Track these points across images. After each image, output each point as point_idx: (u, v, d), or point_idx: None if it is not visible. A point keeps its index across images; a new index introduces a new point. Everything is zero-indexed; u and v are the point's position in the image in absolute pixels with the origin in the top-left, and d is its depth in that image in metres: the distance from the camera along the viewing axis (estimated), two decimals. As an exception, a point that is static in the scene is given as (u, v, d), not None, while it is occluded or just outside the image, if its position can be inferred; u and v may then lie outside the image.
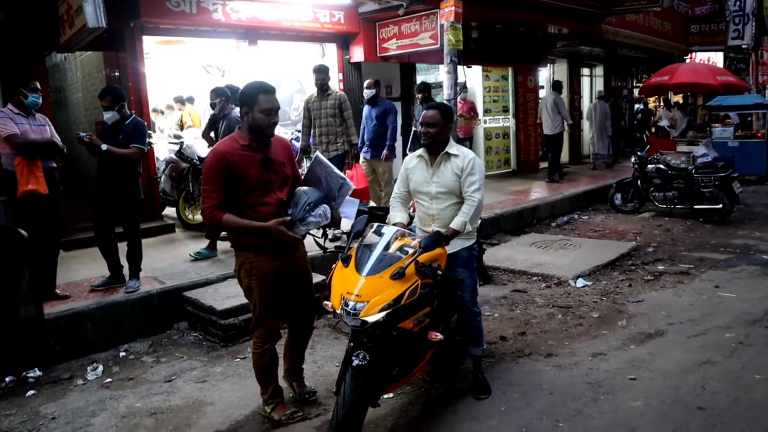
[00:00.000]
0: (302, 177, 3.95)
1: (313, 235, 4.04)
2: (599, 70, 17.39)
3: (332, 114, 7.38)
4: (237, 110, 6.83)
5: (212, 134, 7.18)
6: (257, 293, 3.70)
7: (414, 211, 4.34)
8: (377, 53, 10.38)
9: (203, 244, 6.99)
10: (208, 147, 8.19)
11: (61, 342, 5.10)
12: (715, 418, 3.71)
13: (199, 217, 8.44)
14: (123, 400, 4.36)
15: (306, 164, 7.41)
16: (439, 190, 3.99)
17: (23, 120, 5.39)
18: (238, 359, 4.96)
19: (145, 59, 8.40)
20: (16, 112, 5.39)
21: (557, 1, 11.16)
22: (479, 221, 4.61)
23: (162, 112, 11.31)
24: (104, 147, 5.45)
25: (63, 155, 5.72)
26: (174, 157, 8.68)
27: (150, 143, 7.31)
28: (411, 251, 3.55)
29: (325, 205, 3.71)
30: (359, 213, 3.98)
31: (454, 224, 3.87)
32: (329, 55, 10.43)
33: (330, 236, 6.83)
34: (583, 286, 6.44)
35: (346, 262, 3.53)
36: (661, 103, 18.62)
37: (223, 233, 7.48)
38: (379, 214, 4.47)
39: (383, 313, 3.24)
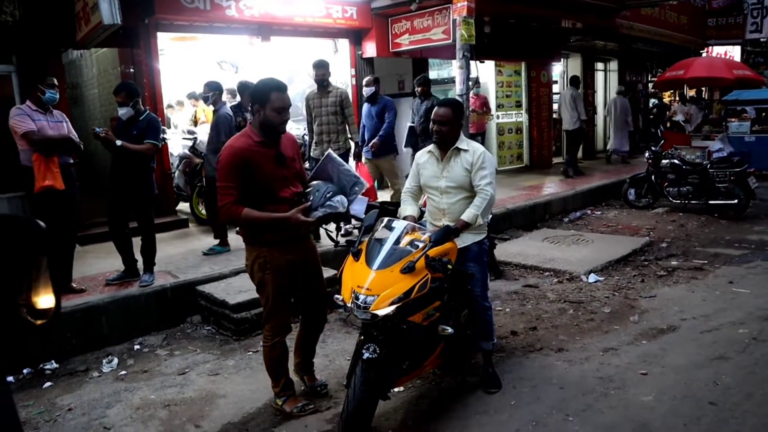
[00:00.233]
0: (309, 175, 3.98)
1: (326, 229, 4.06)
2: (614, 65, 17.27)
3: (333, 111, 7.17)
4: (228, 106, 6.86)
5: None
6: (271, 287, 3.73)
7: (425, 205, 4.36)
8: (390, 48, 10.38)
9: (216, 240, 7.05)
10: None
11: (77, 335, 5.18)
12: (726, 414, 3.70)
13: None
14: (137, 392, 4.43)
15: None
16: (449, 184, 4.01)
17: (41, 116, 5.46)
18: (250, 352, 5.01)
19: (159, 56, 8.47)
20: (34, 109, 5.46)
21: (571, -5, 11.10)
22: (490, 216, 4.62)
23: (172, 107, 11.37)
24: (119, 143, 5.51)
25: (79, 151, 5.79)
26: (188, 152, 8.74)
27: (164, 139, 7.38)
28: (421, 245, 3.57)
29: (341, 195, 3.74)
30: (370, 208, 4.00)
31: (465, 216, 3.88)
32: (342, 50, 10.46)
33: (342, 231, 6.85)
34: (595, 282, 6.43)
35: (356, 256, 3.56)
36: (677, 98, 18.46)
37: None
38: (390, 209, 4.49)
39: (393, 307, 3.26)
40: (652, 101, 19.13)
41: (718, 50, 20.98)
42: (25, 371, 4.83)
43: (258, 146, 3.59)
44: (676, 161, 9.86)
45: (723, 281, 6.29)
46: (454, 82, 8.40)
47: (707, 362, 4.41)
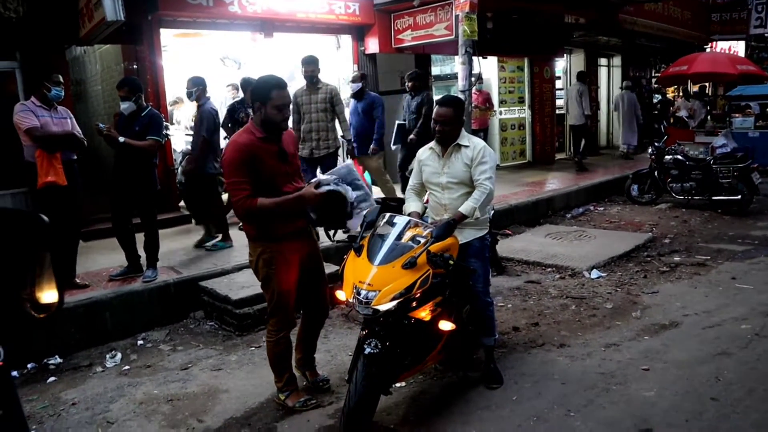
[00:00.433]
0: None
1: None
2: (617, 60, 17.22)
3: (323, 108, 6.95)
4: (212, 101, 6.83)
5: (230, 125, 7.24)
6: (276, 282, 3.75)
7: (428, 202, 4.37)
8: (392, 44, 10.38)
9: (219, 235, 7.06)
10: (225, 138, 8.27)
11: (81, 330, 5.21)
12: (728, 409, 3.70)
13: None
14: (141, 387, 4.45)
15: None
16: (449, 180, 4.02)
17: (45, 112, 5.47)
18: (252, 348, 5.03)
19: (162, 52, 8.48)
20: (38, 105, 5.47)
21: (574, -10, 11.08)
22: (492, 211, 4.63)
23: (177, 102, 11.37)
24: (121, 139, 5.53)
25: (83, 148, 5.80)
26: (191, 148, 8.73)
27: (167, 135, 7.39)
28: (423, 241, 3.57)
29: (350, 187, 3.73)
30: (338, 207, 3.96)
31: (463, 208, 3.88)
32: (344, 46, 10.46)
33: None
34: (598, 278, 6.43)
35: (358, 251, 3.57)
36: (680, 94, 18.41)
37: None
38: (393, 205, 4.49)
39: (395, 302, 3.28)
40: (656, 97, 19.08)
41: (722, 45, 20.92)
42: (29, 366, 4.86)
43: (261, 142, 3.60)
44: (679, 157, 9.84)
45: (726, 277, 6.28)
46: (456, 78, 8.39)
47: (709, 358, 4.41)
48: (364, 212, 3.73)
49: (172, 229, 7.93)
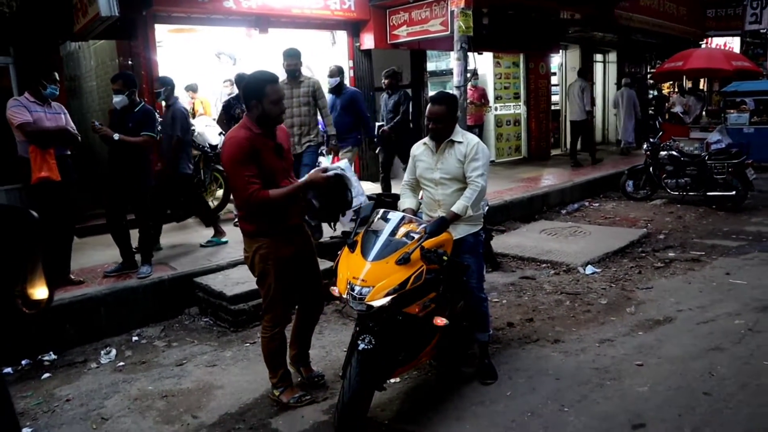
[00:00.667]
0: None
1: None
2: (612, 56, 17.23)
3: (305, 102, 6.67)
4: (180, 101, 6.74)
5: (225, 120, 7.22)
6: (273, 277, 3.75)
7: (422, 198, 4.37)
8: (387, 40, 10.36)
9: (212, 231, 7.05)
10: (219, 134, 8.26)
11: (76, 326, 5.20)
12: (721, 404, 3.72)
13: (210, 204, 8.51)
14: (135, 383, 4.45)
15: None
16: (443, 176, 4.02)
17: (38, 108, 5.45)
18: (247, 344, 5.03)
19: (157, 48, 8.45)
20: (31, 100, 5.45)
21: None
22: (486, 207, 4.64)
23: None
24: (116, 136, 5.53)
25: (76, 143, 5.78)
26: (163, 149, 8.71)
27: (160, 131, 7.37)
28: (417, 237, 3.58)
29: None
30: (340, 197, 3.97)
31: (456, 207, 3.89)
32: (339, 42, 10.45)
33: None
34: (592, 273, 6.44)
35: (352, 247, 3.58)
36: (675, 89, 18.44)
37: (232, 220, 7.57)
38: (387, 201, 4.50)
39: (388, 298, 3.28)
40: (652, 93, 19.09)
41: (717, 41, 20.94)
42: (23, 362, 4.84)
43: (259, 137, 3.62)
44: (674, 153, 9.86)
45: (720, 272, 6.30)
46: (451, 74, 8.38)
47: (703, 353, 4.43)
48: (355, 207, 3.74)
49: (167, 225, 7.89)
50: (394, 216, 3.74)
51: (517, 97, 14.10)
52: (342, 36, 10.42)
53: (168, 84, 6.75)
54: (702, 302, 5.48)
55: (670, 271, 6.45)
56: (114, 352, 5.02)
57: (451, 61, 11.67)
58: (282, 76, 6.50)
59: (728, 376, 4.05)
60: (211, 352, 4.93)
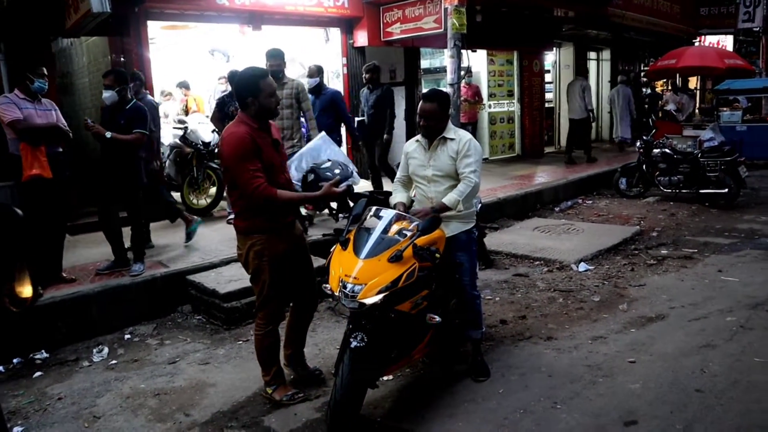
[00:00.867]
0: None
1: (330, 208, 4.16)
2: (606, 54, 17.25)
3: (288, 105, 6.48)
4: (148, 95, 6.72)
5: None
6: (268, 274, 3.75)
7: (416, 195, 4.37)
8: (381, 37, 10.35)
9: (207, 229, 7.04)
10: (213, 131, 8.23)
11: (68, 324, 5.17)
12: (713, 401, 3.74)
13: (203, 202, 8.50)
14: (127, 382, 4.43)
15: None
16: (435, 173, 4.02)
17: (28, 105, 5.42)
18: (240, 342, 5.02)
19: (150, 44, 8.42)
20: (21, 97, 5.42)
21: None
22: (480, 205, 4.63)
23: (169, 94, 11.31)
24: (109, 135, 5.51)
25: (68, 140, 5.75)
26: (178, 142, 8.71)
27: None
28: (409, 234, 3.57)
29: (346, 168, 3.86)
30: (359, 196, 4.00)
31: (446, 199, 3.88)
32: (333, 39, 10.43)
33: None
34: (585, 271, 6.45)
35: (344, 245, 3.57)
36: (669, 87, 18.48)
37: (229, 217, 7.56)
38: (380, 198, 4.49)
39: (381, 296, 3.28)
40: (645, 90, 19.11)
41: (710, 39, 21.00)
42: (15, 361, 4.82)
43: (258, 132, 3.64)
44: (667, 150, 9.88)
45: (712, 270, 6.32)
46: (445, 71, 8.37)
47: (695, 350, 4.45)
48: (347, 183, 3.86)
49: (160, 222, 7.86)
50: (387, 213, 3.73)
51: (510, 94, 14.10)
52: (335, 33, 10.40)
53: (137, 79, 6.71)
54: (694, 299, 5.50)
55: (662, 269, 6.47)
56: (106, 350, 5.00)
57: (444, 58, 11.68)
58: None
59: (720, 373, 4.07)
60: (204, 350, 4.92)
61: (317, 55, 10.60)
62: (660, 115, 15.68)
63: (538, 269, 6.63)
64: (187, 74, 11.65)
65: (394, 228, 3.65)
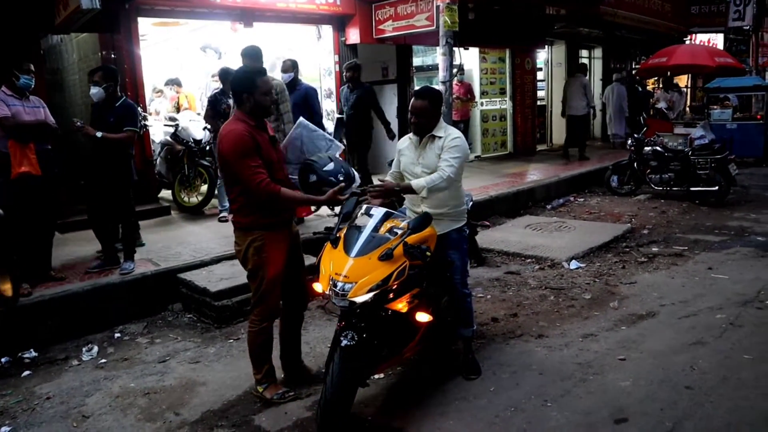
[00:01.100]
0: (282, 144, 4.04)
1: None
2: (598, 52, 17.29)
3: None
4: (126, 97, 6.62)
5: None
6: (267, 270, 3.76)
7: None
8: (373, 35, 10.32)
9: (198, 227, 7.00)
10: (204, 129, 8.20)
11: (57, 323, 5.14)
12: (702, 398, 3.75)
13: (194, 199, 8.47)
14: (117, 381, 4.41)
15: None
16: (424, 170, 4.00)
17: (16, 102, 5.37)
18: (231, 340, 5.01)
19: (140, 41, 8.37)
20: (9, 94, 5.37)
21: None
22: (471, 203, 4.64)
23: (161, 91, 11.26)
24: (99, 134, 5.47)
25: (56, 137, 5.71)
26: (169, 139, 8.67)
27: (145, 125, 7.30)
28: (400, 232, 3.57)
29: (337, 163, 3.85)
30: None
31: (414, 182, 3.85)
32: (325, 37, 10.39)
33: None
34: (577, 268, 6.47)
35: (335, 243, 3.56)
36: (660, 85, 18.54)
37: (222, 215, 7.53)
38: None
39: (371, 294, 3.27)
40: (644, 88, 19.13)
41: (701, 38, 21.06)
42: (3, 360, 4.77)
43: (256, 130, 3.66)
44: (658, 148, 9.92)
45: (702, 267, 6.35)
46: (438, 69, 8.36)
47: (685, 347, 4.46)
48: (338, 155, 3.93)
49: (151, 220, 7.84)
50: (378, 212, 3.72)
51: (503, 92, 14.10)
52: (327, 30, 10.36)
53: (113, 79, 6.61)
54: (684, 297, 5.52)
55: (653, 266, 6.49)
56: (96, 349, 4.97)
57: (437, 56, 11.67)
58: (270, 70, 6.42)
59: (709, 370, 4.09)
60: (195, 349, 4.90)
61: (309, 53, 10.58)
62: (651, 113, 15.72)
63: (530, 267, 6.64)
64: (178, 71, 11.60)
65: (385, 226, 3.64)
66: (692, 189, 9.52)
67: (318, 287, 3.51)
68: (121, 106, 5.66)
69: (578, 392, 3.90)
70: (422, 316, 3.62)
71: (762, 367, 4.09)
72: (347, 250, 3.46)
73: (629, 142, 10.38)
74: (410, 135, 4.18)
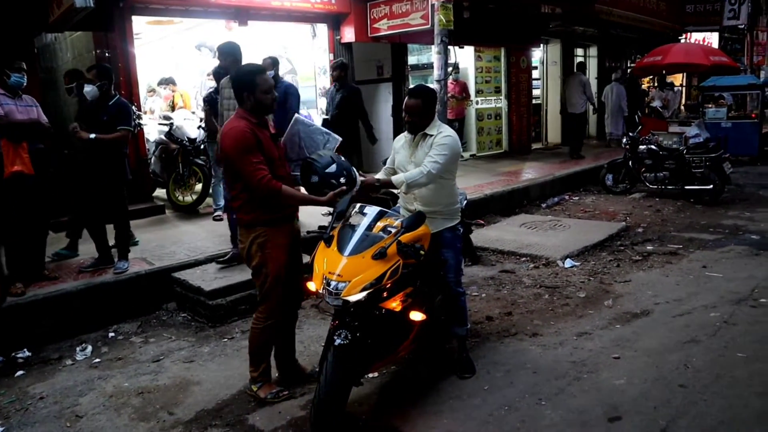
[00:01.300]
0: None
1: None
2: (593, 51, 17.31)
3: (235, 106, 5.53)
4: (156, 95, 6.63)
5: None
6: (272, 266, 3.76)
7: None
8: (368, 33, 10.30)
9: (193, 226, 6.98)
10: (198, 128, 8.18)
11: (51, 323, 5.12)
12: (696, 396, 3.76)
13: (189, 198, 8.45)
14: (111, 380, 4.39)
15: None
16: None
17: (9, 101, 5.34)
18: (225, 339, 5.00)
19: (135, 40, 8.34)
20: (1, 93, 5.34)
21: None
22: (465, 201, 4.64)
23: (154, 90, 11.23)
24: (92, 136, 5.45)
25: (50, 136, 5.69)
26: (164, 138, 8.65)
27: (139, 124, 7.28)
28: (394, 231, 3.56)
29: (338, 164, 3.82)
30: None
31: (395, 177, 3.92)
32: (320, 35, 10.38)
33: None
34: (571, 267, 6.47)
35: (328, 242, 3.56)
36: (655, 84, 18.58)
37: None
38: (369, 195, 4.49)
39: (364, 293, 3.26)
40: (647, 86, 19.15)
41: (696, 36, 21.10)
42: (-4, 360, 4.77)
43: (257, 127, 3.68)
44: (653, 147, 9.94)
45: (697, 266, 6.36)
46: (433, 67, 8.35)
47: (679, 346, 4.47)
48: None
49: (145, 219, 7.82)
50: (371, 210, 3.72)
51: (498, 91, 14.09)
52: (323, 29, 10.34)
53: (79, 77, 6.51)
54: (679, 295, 5.53)
55: (648, 264, 6.50)
56: (90, 348, 4.95)
57: (432, 54, 11.66)
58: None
59: (703, 369, 4.09)
60: (189, 348, 4.89)
61: (304, 51, 10.57)
62: (646, 111, 15.75)
63: (525, 265, 6.64)
64: (174, 70, 11.57)
65: (379, 225, 3.64)
66: (687, 187, 9.53)
67: (311, 286, 3.50)
68: (115, 105, 5.64)
69: (572, 391, 3.90)
70: (416, 315, 3.62)
71: (755, 366, 4.10)
72: (341, 248, 3.45)
73: (624, 140, 10.39)
74: (405, 133, 4.19)
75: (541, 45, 15.31)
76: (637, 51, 18.46)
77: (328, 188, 3.68)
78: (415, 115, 3.96)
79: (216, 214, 7.67)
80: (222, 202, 7.36)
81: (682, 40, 19.54)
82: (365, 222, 3.61)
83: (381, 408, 3.82)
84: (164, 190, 8.64)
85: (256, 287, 3.91)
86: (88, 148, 5.61)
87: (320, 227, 3.88)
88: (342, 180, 3.70)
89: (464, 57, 13.08)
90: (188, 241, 6.71)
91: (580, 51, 17.04)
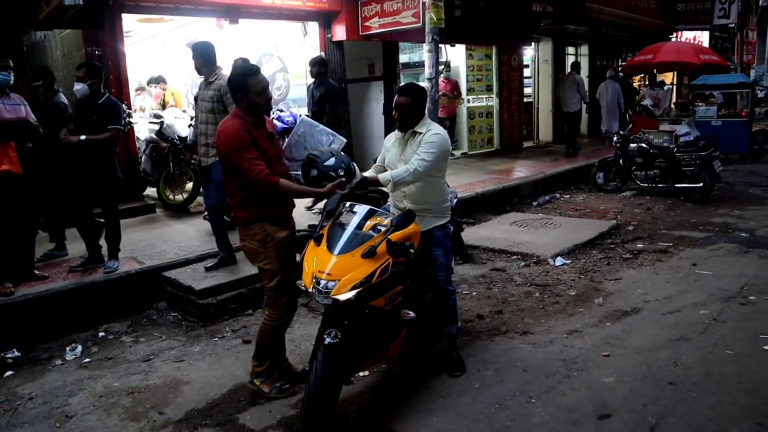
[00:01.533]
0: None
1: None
2: (584, 49, 17.33)
3: (209, 109, 5.48)
4: (62, 94, 6.48)
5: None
6: (275, 262, 3.76)
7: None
8: (359, 32, 10.27)
9: (183, 225, 6.95)
10: (189, 126, 8.14)
11: (40, 323, 5.09)
12: (685, 393, 3.78)
13: (180, 197, 8.42)
14: (101, 380, 4.37)
15: None
16: (405, 167, 4.00)
17: (-4, 100, 5.31)
18: (216, 339, 4.98)
19: (125, 37, 8.30)
20: (-12, 91, 5.31)
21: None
22: (455, 200, 4.64)
23: (143, 88, 11.17)
24: (82, 137, 5.42)
25: (37, 135, 5.65)
26: (154, 136, 8.61)
27: (130, 122, 7.24)
28: (383, 230, 3.56)
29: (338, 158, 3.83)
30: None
31: (381, 175, 3.93)
32: (311, 33, 10.35)
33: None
34: (562, 265, 6.49)
35: (318, 241, 3.55)
36: (646, 82, 18.65)
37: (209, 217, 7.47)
38: (356, 194, 4.48)
39: (354, 292, 3.26)
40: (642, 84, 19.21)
41: (686, 35, 21.20)
42: (-15, 361, 4.75)
43: (252, 125, 3.68)
44: (643, 145, 9.97)
45: (687, 263, 6.39)
46: (424, 65, 8.34)
47: (668, 343, 4.49)
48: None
49: (136, 218, 7.79)
50: (361, 209, 3.71)
51: (489, 89, 14.09)
52: (314, 27, 10.31)
53: (48, 75, 6.58)
54: (669, 293, 5.55)
55: (638, 263, 6.53)
56: (79, 348, 4.93)
57: (423, 53, 11.66)
58: (258, 65, 6.35)
59: (692, 366, 4.11)
60: (179, 347, 4.87)
61: (295, 50, 10.55)
62: (637, 109, 15.81)
63: (515, 264, 6.65)
64: (164, 68, 11.52)
65: (369, 224, 3.63)
66: (677, 186, 9.58)
67: (301, 285, 3.49)
68: (104, 104, 5.60)
69: (562, 388, 3.91)
70: (406, 314, 3.61)
71: (744, 363, 4.13)
72: (330, 247, 3.45)
73: (615, 139, 10.43)
74: (396, 132, 4.19)
75: (533, 43, 15.33)
76: (628, 49, 18.52)
77: (327, 181, 3.69)
78: (405, 113, 3.97)
79: (206, 213, 7.63)
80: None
81: (673, 39, 19.63)
82: (355, 220, 3.61)
83: (371, 406, 3.82)
84: (155, 189, 8.61)
85: (264, 284, 3.90)
86: (79, 149, 5.58)
87: (310, 226, 3.87)
88: (341, 172, 3.70)
89: (455, 55, 13.08)
90: (179, 240, 6.69)
91: (571, 49, 17.08)
